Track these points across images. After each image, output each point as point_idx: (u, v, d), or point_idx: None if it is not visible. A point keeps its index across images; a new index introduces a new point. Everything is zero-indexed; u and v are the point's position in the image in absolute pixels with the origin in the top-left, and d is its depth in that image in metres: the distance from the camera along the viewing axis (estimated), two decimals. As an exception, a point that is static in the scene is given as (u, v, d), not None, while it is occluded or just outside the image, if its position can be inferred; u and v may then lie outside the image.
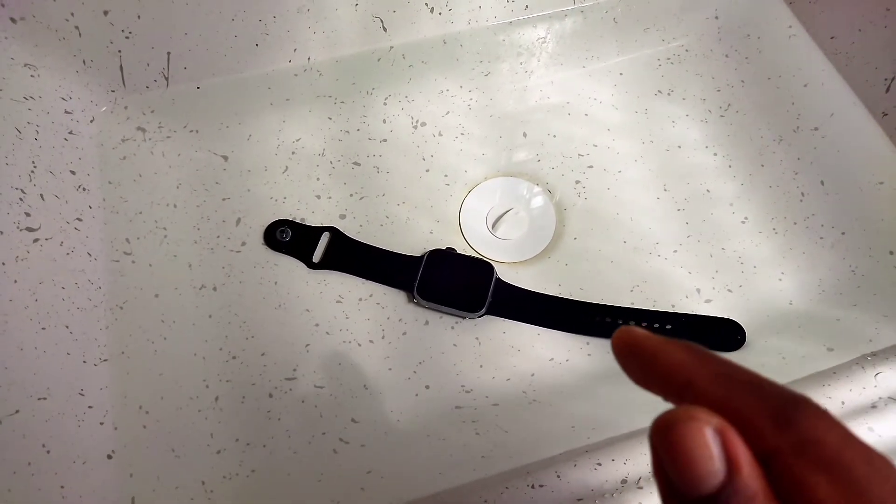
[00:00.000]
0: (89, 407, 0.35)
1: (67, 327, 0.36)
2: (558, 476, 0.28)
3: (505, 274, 0.42)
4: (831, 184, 0.43)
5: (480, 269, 0.41)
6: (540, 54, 0.50)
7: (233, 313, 0.41)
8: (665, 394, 0.15)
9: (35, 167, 0.39)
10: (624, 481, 0.27)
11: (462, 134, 0.48)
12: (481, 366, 0.40)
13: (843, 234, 0.42)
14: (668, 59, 0.51)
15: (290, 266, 0.42)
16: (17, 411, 0.32)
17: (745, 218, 0.44)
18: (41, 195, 0.38)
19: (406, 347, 0.40)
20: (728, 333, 0.40)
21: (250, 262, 0.42)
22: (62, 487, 0.32)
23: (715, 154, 0.47)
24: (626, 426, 0.30)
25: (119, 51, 0.42)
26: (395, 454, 0.37)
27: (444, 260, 0.42)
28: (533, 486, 0.28)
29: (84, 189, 0.41)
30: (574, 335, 0.41)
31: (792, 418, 0.13)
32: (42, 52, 0.41)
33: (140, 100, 0.45)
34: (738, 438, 0.13)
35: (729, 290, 0.42)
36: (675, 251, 0.43)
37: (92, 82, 0.43)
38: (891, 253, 0.39)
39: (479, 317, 0.41)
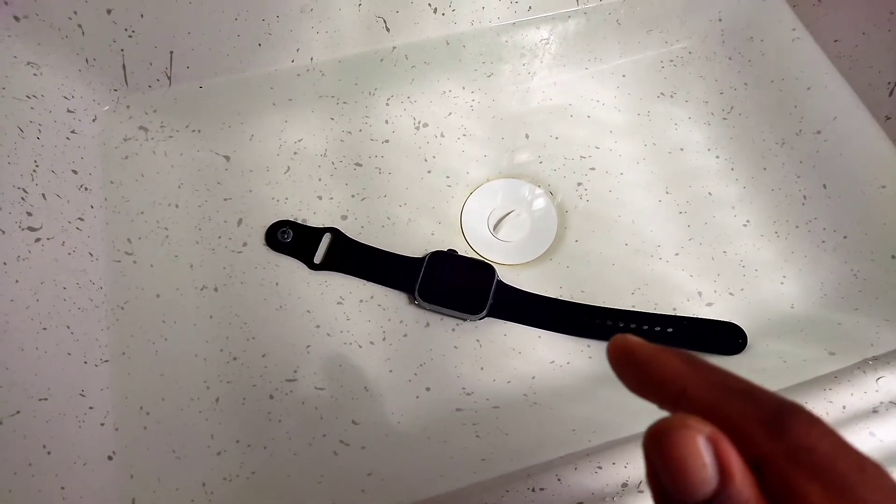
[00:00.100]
0: (90, 408, 0.35)
1: (68, 327, 0.36)
2: (559, 479, 0.28)
3: (506, 276, 0.42)
4: (833, 187, 0.43)
5: (482, 270, 0.41)
6: (543, 56, 0.50)
7: (234, 314, 0.41)
8: (660, 401, 0.15)
9: (37, 166, 0.39)
10: (624, 485, 0.27)
11: (464, 135, 0.48)
12: (482, 368, 0.40)
13: (845, 237, 0.42)
14: (671, 61, 0.51)
15: (292, 267, 0.42)
16: (17, 412, 0.32)
17: (747, 221, 0.44)
18: (43, 194, 0.38)
19: (407, 349, 0.40)
20: (729, 337, 0.40)
21: (251, 263, 0.42)
22: (63, 488, 0.32)
23: (717, 157, 0.47)
24: (627, 429, 0.30)
25: (122, 50, 0.42)
26: (396, 456, 0.37)
27: (445, 262, 0.42)
28: (533, 489, 0.28)
29: (86, 188, 0.41)
30: (575, 338, 0.41)
31: (785, 426, 0.13)
32: (45, 51, 0.41)
33: (142, 99, 0.45)
34: (731, 446, 0.13)
35: (730, 294, 0.42)
36: (677, 254, 0.43)
37: (94, 81, 0.43)
38: (893, 257, 0.39)
39: (480, 319, 0.41)
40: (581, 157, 0.47)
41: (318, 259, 0.42)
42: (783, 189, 0.44)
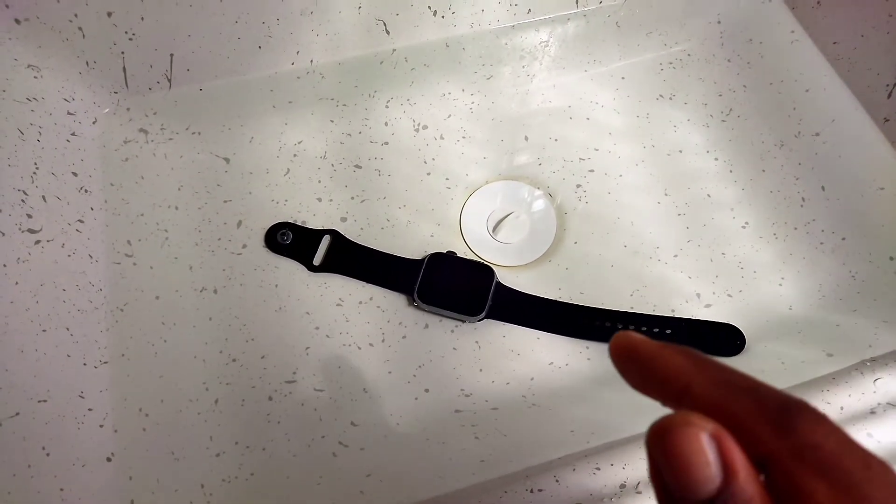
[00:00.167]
0: (89, 409, 0.35)
1: (68, 329, 0.36)
2: (557, 480, 0.28)
3: (505, 278, 0.42)
4: (832, 189, 0.43)
5: (481, 272, 0.41)
6: (542, 58, 0.50)
7: (233, 316, 0.41)
8: (663, 398, 0.15)
9: (37, 168, 0.39)
10: (623, 486, 0.28)
11: (463, 137, 0.48)
12: (481, 369, 0.40)
13: (843, 239, 0.42)
14: (671, 63, 0.51)
15: (291, 269, 0.42)
16: (17, 413, 0.32)
17: (746, 223, 0.44)
18: (43, 196, 0.38)
19: (406, 351, 0.40)
20: (728, 338, 0.40)
21: (251, 265, 0.42)
22: (62, 490, 0.32)
23: (716, 159, 0.47)
24: (626, 430, 0.31)
25: (122, 52, 0.42)
26: (395, 458, 0.37)
27: (444, 263, 0.42)
28: (532, 491, 0.28)
29: (86, 191, 0.42)
30: (574, 339, 0.41)
31: (791, 423, 0.13)
32: (45, 54, 0.41)
33: (142, 101, 0.45)
34: (735, 443, 0.13)
35: (729, 295, 0.42)
36: (676, 256, 0.44)
37: (95, 84, 0.43)
38: (891, 258, 0.39)
39: (479, 320, 0.41)
40: (580, 159, 0.47)
41: (317, 261, 0.43)
42: (782, 191, 0.45)
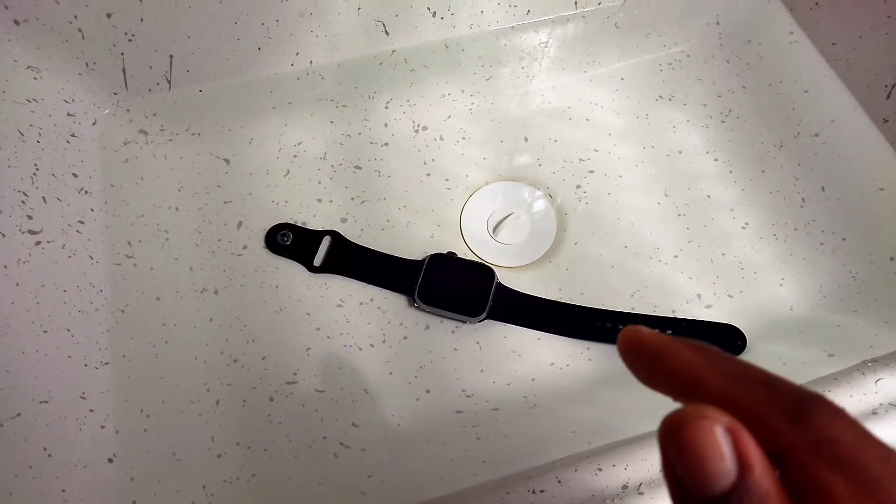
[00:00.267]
0: (90, 410, 0.35)
1: (69, 330, 0.36)
2: (559, 481, 0.28)
3: (506, 278, 0.42)
4: (832, 190, 0.43)
5: (481, 273, 0.41)
6: (541, 59, 0.50)
7: (234, 317, 0.41)
8: (674, 393, 0.15)
9: (37, 169, 0.39)
10: (625, 487, 0.27)
11: (463, 138, 0.48)
12: (482, 370, 0.40)
13: (843, 239, 0.42)
14: (670, 64, 0.51)
15: (291, 270, 0.42)
16: (18, 414, 0.32)
17: (746, 223, 0.44)
18: (43, 198, 0.38)
19: (407, 351, 0.40)
20: (728, 339, 0.40)
21: (251, 266, 0.42)
22: (63, 491, 0.32)
23: (716, 159, 0.47)
24: (628, 431, 0.31)
25: (122, 53, 0.42)
26: (396, 458, 0.37)
27: (444, 264, 0.42)
28: (533, 492, 0.28)
29: (86, 192, 0.41)
30: (575, 340, 0.41)
31: (807, 417, 0.13)
32: (45, 55, 0.41)
33: (142, 102, 0.45)
34: (750, 437, 0.13)
35: (729, 296, 0.42)
36: (676, 256, 0.44)
37: (94, 85, 0.43)
38: (891, 259, 0.40)
39: (480, 321, 0.41)
40: (580, 159, 0.47)
41: (317, 262, 0.43)
42: (782, 191, 0.45)
